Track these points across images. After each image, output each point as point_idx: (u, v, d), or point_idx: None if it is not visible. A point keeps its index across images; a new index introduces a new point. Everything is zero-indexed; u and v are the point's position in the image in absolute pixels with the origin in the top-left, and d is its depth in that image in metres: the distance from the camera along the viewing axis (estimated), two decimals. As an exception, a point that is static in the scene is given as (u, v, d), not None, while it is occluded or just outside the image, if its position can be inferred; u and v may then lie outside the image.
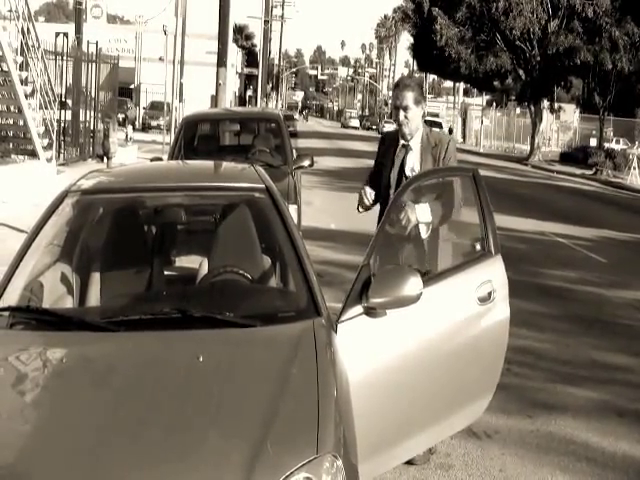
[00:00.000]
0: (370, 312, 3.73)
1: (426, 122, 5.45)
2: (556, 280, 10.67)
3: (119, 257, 4.34)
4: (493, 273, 4.33)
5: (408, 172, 5.15)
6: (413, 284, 3.64)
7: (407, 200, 4.81)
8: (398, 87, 5.23)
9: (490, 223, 4.47)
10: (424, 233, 4.98)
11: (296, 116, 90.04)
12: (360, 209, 5.29)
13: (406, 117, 5.07)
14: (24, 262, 3.83)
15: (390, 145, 5.26)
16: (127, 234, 4.44)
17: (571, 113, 52.62)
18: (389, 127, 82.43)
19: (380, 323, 3.77)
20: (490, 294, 4.21)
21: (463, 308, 4.18)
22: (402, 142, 5.18)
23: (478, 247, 4.52)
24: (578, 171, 35.51)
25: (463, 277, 4.22)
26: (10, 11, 19.28)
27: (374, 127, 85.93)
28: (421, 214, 4.89)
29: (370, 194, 5.20)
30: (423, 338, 3.98)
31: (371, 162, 5.56)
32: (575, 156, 42.52)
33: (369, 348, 3.77)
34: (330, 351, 3.35)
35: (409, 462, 4.88)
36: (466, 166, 5.01)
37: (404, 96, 5.07)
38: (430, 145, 5.13)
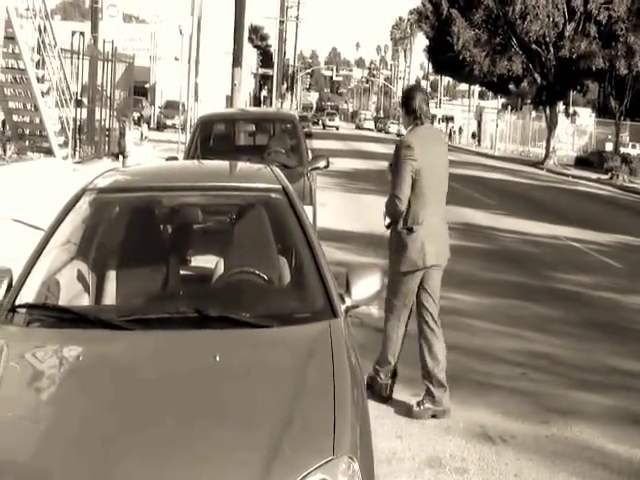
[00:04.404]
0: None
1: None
2: (570, 285, 10.58)
3: (135, 256, 4.34)
4: None
5: None
6: None
7: None
8: None
9: None
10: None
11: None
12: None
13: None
14: (41, 260, 3.84)
15: None
16: (143, 233, 4.44)
17: (587, 117, 52.38)
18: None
19: None
20: None
21: None
22: None
23: None
24: (594, 175, 35.29)
25: None
26: (27, 9, 19.39)
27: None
28: None
29: None
30: None
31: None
32: (591, 160, 42.32)
33: None
34: (346, 352, 3.33)
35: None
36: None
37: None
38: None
